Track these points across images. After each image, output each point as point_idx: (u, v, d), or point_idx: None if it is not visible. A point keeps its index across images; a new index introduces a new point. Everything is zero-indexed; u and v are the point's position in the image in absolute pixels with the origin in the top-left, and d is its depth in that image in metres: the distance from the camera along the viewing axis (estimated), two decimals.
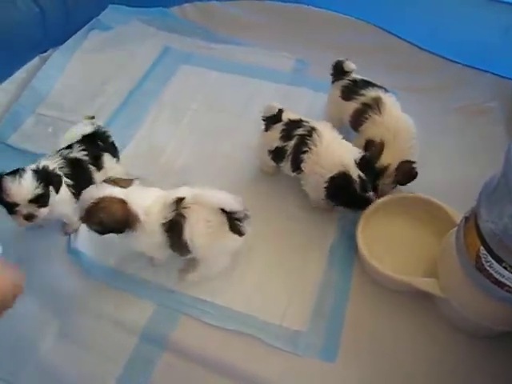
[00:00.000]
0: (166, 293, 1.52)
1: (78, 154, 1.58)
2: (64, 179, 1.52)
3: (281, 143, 1.59)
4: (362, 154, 1.51)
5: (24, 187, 1.39)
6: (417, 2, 2.14)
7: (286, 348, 1.40)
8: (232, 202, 1.35)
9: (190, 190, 1.40)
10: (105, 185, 1.36)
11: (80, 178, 1.56)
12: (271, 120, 1.63)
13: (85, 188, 1.37)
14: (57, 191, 1.47)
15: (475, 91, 2.03)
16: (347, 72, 1.73)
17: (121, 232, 1.36)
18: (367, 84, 1.70)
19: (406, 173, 1.57)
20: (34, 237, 1.67)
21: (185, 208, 1.35)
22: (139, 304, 1.50)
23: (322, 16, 2.35)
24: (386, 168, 1.55)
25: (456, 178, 1.70)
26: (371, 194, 1.48)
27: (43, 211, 1.44)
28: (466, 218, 1.24)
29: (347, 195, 1.48)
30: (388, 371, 1.37)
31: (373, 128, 1.62)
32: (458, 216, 1.41)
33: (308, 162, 1.52)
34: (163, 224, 1.36)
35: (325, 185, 1.49)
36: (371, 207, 1.54)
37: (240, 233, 1.40)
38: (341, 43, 2.19)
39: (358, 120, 1.67)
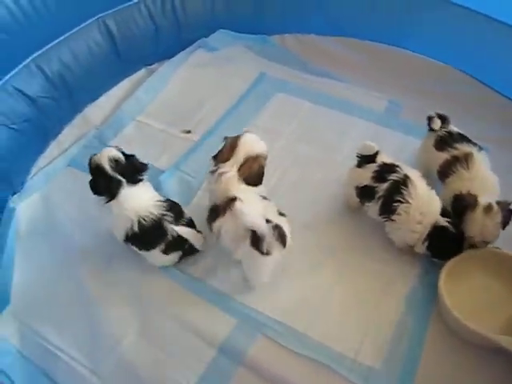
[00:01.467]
0: (247, 310, 1.57)
1: None
2: None
3: (371, 183, 1.62)
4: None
5: None
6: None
7: (358, 382, 1.42)
8: (261, 227, 1.40)
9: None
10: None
11: None
12: (365, 159, 1.67)
13: None
14: None
15: None
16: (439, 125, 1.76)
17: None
18: (462, 138, 1.73)
19: (505, 210, 1.56)
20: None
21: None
22: (221, 317, 1.56)
23: (420, 61, 2.39)
24: (490, 206, 1.54)
25: None
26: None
27: None
28: None
29: (448, 243, 1.54)
30: None
31: (457, 182, 1.64)
32: None
33: (404, 216, 1.56)
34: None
35: (423, 242, 1.55)
36: (456, 258, 1.56)
37: (261, 251, 1.43)
38: (435, 90, 2.22)
39: (445, 171, 1.70)
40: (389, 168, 1.61)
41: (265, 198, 1.58)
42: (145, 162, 1.66)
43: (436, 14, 2.28)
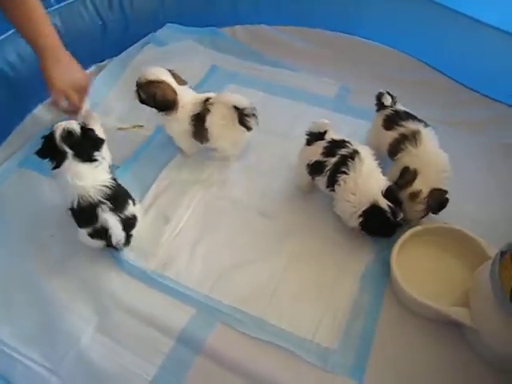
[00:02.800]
0: (203, 299, 1.58)
1: None
2: None
3: (321, 158, 1.66)
4: (389, 184, 1.59)
5: None
6: (464, 40, 2.19)
7: (317, 363, 1.44)
8: (242, 100, 1.80)
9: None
10: (167, 73, 1.84)
11: None
12: (315, 136, 1.71)
13: None
14: None
15: None
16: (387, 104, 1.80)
17: (161, 110, 1.84)
18: (409, 116, 1.77)
19: (437, 199, 1.62)
20: (74, 232, 1.70)
21: (210, 104, 1.82)
22: (178, 308, 1.56)
23: (369, 47, 2.44)
24: (417, 193, 1.61)
25: (494, 215, 1.74)
26: (401, 216, 1.56)
27: None
28: (502, 253, 1.29)
29: (381, 225, 1.58)
30: None
31: (407, 158, 1.69)
32: (492, 249, 1.46)
33: (342, 185, 1.60)
34: (191, 116, 1.84)
35: (358, 217, 1.58)
36: (406, 234, 1.60)
37: (247, 127, 1.84)
38: (386, 75, 2.26)
39: (395, 149, 1.74)
40: (339, 144, 1.65)
41: None
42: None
43: (388, 3, 2.34)
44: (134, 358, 1.47)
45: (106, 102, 2.22)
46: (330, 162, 1.63)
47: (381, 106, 1.82)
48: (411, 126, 1.73)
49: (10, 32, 2.01)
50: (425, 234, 1.63)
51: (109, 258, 1.69)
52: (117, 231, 1.57)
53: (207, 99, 1.85)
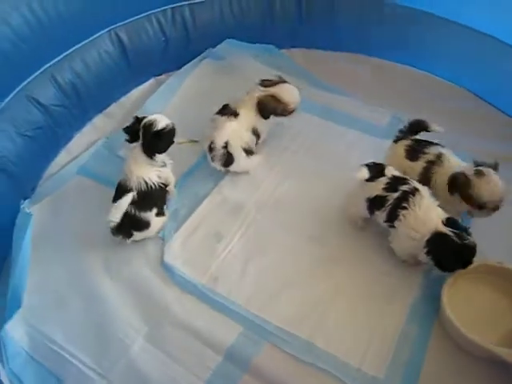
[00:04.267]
0: (253, 317, 1.61)
1: None
2: None
3: (383, 193, 1.67)
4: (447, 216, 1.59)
5: None
6: None
7: None
8: None
9: None
10: None
11: None
12: (376, 173, 1.71)
13: None
14: None
15: None
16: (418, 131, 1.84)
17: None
18: (426, 143, 1.81)
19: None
20: (134, 243, 1.80)
21: None
22: (227, 324, 1.60)
23: (423, 78, 2.45)
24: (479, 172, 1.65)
25: None
26: (471, 239, 1.52)
27: None
28: None
29: (449, 252, 1.54)
30: None
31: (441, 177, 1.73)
32: None
33: (403, 220, 1.61)
34: None
35: (424, 249, 1.57)
36: (459, 271, 1.59)
37: None
38: (437, 106, 2.26)
39: (426, 178, 1.75)
40: (400, 180, 1.66)
41: None
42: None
43: (440, 33, 2.33)
44: (182, 371, 1.52)
45: (164, 115, 2.25)
46: (392, 196, 1.64)
47: (405, 134, 1.84)
48: (433, 151, 1.76)
49: (80, 44, 2.10)
50: (476, 272, 1.62)
51: (162, 269, 1.74)
52: (115, 212, 1.66)
53: None
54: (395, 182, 1.66)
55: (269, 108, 1.94)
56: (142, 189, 1.70)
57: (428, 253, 1.57)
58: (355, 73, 2.47)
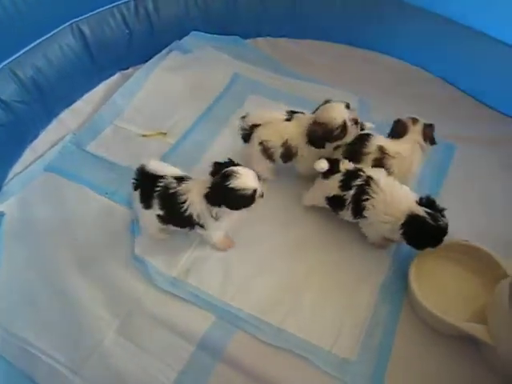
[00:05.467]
0: (224, 306, 1.62)
1: None
2: None
3: (339, 192, 1.66)
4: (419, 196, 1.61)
5: (248, 172, 1.53)
6: (484, 58, 2.21)
7: (335, 373, 1.48)
8: None
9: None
10: None
11: None
12: (330, 171, 1.70)
13: None
14: None
15: None
16: None
17: None
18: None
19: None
20: (102, 239, 1.80)
21: None
22: (199, 314, 1.61)
23: (388, 62, 2.47)
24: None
25: (503, 232, 1.78)
26: (444, 220, 1.54)
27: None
28: None
29: (424, 233, 1.55)
30: None
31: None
32: (510, 267, 1.49)
33: (372, 210, 1.61)
34: None
35: (399, 231, 1.57)
36: (425, 250, 1.62)
37: None
38: (401, 90, 2.29)
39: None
40: (353, 174, 1.65)
41: None
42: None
43: (403, 17, 2.36)
44: (155, 362, 1.52)
45: (131, 109, 2.26)
46: (349, 194, 1.63)
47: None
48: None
49: (41, 39, 2.06)
50: (443, 250, 1.64)
51: (132, 263, 1.73)
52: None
53: None
54: (349, 178, 1.64)
55: (314, 135, 1.72)
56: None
57: (403, 234, 1.58)
58: (321, 59, 2.48)
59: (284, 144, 1.78)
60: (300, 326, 1.58)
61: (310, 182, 1.83)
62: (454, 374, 1.49)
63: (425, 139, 1.74)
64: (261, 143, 1.80)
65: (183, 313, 1.61)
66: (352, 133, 1.70)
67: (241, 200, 1.50)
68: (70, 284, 1.68)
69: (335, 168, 1.68)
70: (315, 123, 1.70)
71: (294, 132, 1.77)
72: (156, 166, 1.62)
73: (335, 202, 1.70)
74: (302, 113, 1.83)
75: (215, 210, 1.54)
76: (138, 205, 1.66)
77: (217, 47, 2.51)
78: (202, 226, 1.61)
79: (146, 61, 2.42)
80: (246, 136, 1.85)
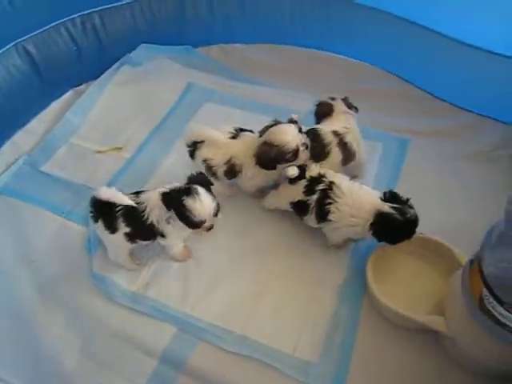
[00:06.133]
0: (184, 317, 1.61)
1: None
2: None
3: (303, 197, 1.67)
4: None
5: (208, 204, 1.51)
6: (429, 51, 2.23)
7: (298, 377, 1.47)
8: None
9: None
10: None
11: None
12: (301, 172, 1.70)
13: None
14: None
15: (485, 139, 2.12)
16: None
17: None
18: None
19: None
20: (60, 258, 1.78)
21: None
22: (160, 327, 1.59)
23: (340, 61, 2.49)
24: None
25: (462, 222, 1.78)
26: (412, 212, 1.54)
27: (219, 218, 1.58)
28: (471, 261, 1.33)
29: (395, 229, 1.55)
30: None
31: None
32: (464, 258, 1.50)
33: (338, 213, 1.60)
34: None
35: (369, 231, 1.58)
36: (380, 246, 1.64)
37: None
38: (355, 87, 2.30)
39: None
40: (317, 180, 1.66)
41: None
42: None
43: (350, 15, 2.39)
44: (118, 380, 1.50)
45: (85, 126, 2.25)
46: (312, 199, 1.64)
47: None
48: None
49: None
50: (400, 245, 1.62)
51: (91, 281, 1.71)
52: None
53: None
54: (312, 184, 1.65)
55: (264, 157, 1.68)
56: None
57: (374, 234, 1.58)
58: (274, 62, 2.50)
59: (227, 162, 1.77)
60: (262, 332, 1.57)
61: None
62: (416, 367, 1.50)
63: (350, 108, 1.83)
64: (204, 161, 1.79)
65: (144, 327, 1.59)
66: (302, 158, 1.68)
67: (188, 221, 1.51)
68: (29, 307, 1.66)
69: (303, 174, 1.68)
70: (266, 144, 1.67)
71: (240, 151, 1.75)
72: (108, 192, 1.60)
73: (300, 207, 1.70)
74: (251, 131, 1.82)
75: (168, 214, 1.55)
76: (103, 234, 1.65)
77: (169, 58, 2.51)
78: (163, 236, 1.61)
79: (98, 76, 2.40)
80: (191, 152, 1.83)
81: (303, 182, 1.67)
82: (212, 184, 1.61)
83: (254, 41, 2.58)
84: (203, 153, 1.79)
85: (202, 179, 1.58)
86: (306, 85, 2.29)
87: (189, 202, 1.49)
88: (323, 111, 1.86)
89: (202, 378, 1.48)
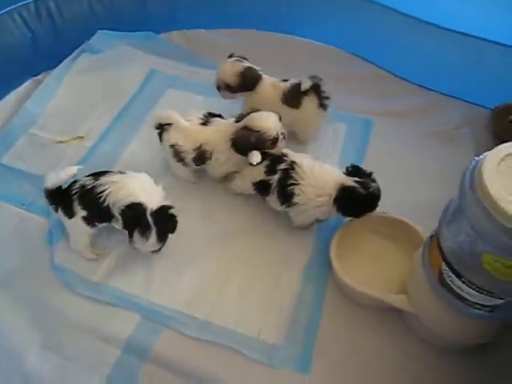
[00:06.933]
0: (148, 305, 1.58)
1: None
2: None
3: (265, 177, 1.66)
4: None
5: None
6: (393, 33, 2.24)
7: (263, 360, 1.46)
8: None
9: None
10: None
11: None
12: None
13: None
14: None
15: (449, 118, 2.15)
16: None
17: None
18: None
19: None
20: (20, 251, 1.74)
21: None
22: (123, 316, 1.56)
23: (304, 45, 2.48)
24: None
25: (424, 199, 1.79)
26: (374, 185, 1.56)
27: None
28: (431, 236, 1.33)
29: (358, 201, 1.56)
30: (358, 382, 1.45)
31: None
32: (427, 235, 1.50)
33: (303, 195, 1.60)
34: None
35: (333, 207, 1.58)
36: (344, 225, 1.64)
37: None
38: (320, 70, 2.25)
39: None
40: (278, 159, 1.65)
41: None
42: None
43: (320, 1, 2.37)
44: (82, 371, 1.47)
45: (46, 115, 2.19)
46: (274, 179, 1.63)
47: None
48: None
49: None
50: (363, 224, 1.65)
51: (52, 273, 1.67)
52: None
53: None
54: (274, 163, 1.65)
55: (243, 142, 1.67)
56: None
57: (338, 208, 1.58)
58: (236, 48, 2.43)
59: (197, 149, 1.75)
60: (227, 316, 1.56)
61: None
62: (382, 345, 1.50)
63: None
64: (172, 146, 1.77)
65: (107, 317, 1.56)
66: (280, 147, 1.68)
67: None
68: None
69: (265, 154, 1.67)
70: (247, 129, 1.66)
71: (212, 137, 1.74)
72: (54, 179, 1.59)
73: (261, 187, 1.69)
74: (220, 115, 1.81)
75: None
76: (65, 221, 1.64)
77: (129, 44, 2.46)
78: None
79: (57, 65, 2.33)
80: (159, 135, 1.82)
81: (264, 162, 1.66)
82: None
83: (216, 26, 2.54)
84: (171, 138, 1.77)
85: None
86: (270, 69, 2.25)
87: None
88: (249, 81, 1.93)
89: (167, 366, 1.46)
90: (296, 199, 1.61)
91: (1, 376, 1.47)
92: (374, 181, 1.57)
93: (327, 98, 1.91)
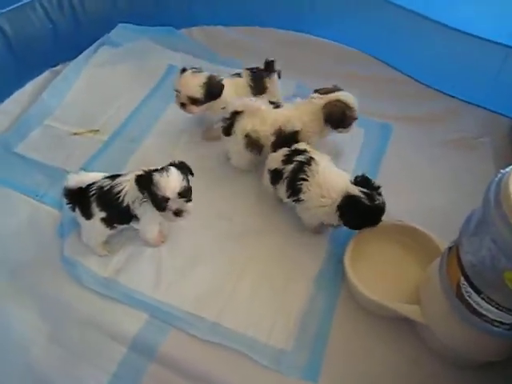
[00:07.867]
0: (157, 304, 1.56)
1: None
2: None
3: (280, 166, 1.66)
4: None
5: (173, 180, 1.47)
6: (415, 37, 2.21)
7: (271, 366, 1.44)
8: None
9: None
10: None
11: None
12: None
13: None
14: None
15: (468, 125, 2.11)
16: None
17: None
18: None
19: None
20: (27, 244, 1.72)
21: None
22: (131, 314, 1.54)
23: (323, 45, 2.46)
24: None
25: (441, 209, 1.76)
26: (380, 199, 1.53)
27: (190, 206, 1.52)
28: (450, 248, 1.30)
29: (361, 212, 1.53)
30: None
31: None
32: (443, 245, 1.47)
33: (309, 193, 1.59)
34: None
35: (336, 213, 1.55)
36: (359, 233, 1.61)
37: None
38: (339, 72, 2.27)
39: None
40: (298, 152, 1.64)
41: None
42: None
43: (343, 3, 2.35)
44: (87, 367, 1.46)
45: (63, 106, 2.18)
46: (288, 169, 1.62)
47: None
48: None
49: None
50: (378, 232, 1.62)
51: (62, 266, 1.66)
52: None
53: None
54: (293, 154, 1.64)
55: (338, 115, 1.74)
56: None
57: (340, 216, 1.56)
58: (256, 45, 2.44)
59: (277, 131, 1.74)
60: (235, 319, 1.53)
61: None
62: (393, 355, 1.47)
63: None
64: (247, 135, 1.75)
65: (115, 314, 1.55)
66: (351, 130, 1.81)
67: (154, 197, 1.48)
68: None
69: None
70: (341, 101, 1.73)
71: (295, 114, 1.76)
72: (77, 179, 1.58)
73: (274, 175, 1.68)
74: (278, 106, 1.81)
75: (141, 196, 1.52)
76: (81, 221, 1.62)
77: (150, 39, 2.45)
78: (137, 218, 1.58)
79: (76, 56, 2.33)
80: (228, 126, 1.78)
81: (285, 151, 1.66)
82: (192, 173, 1.56)
83: (236, 23, 2.52)
84: (247, 124, 1.75)
85: (182, 165, 1.54)
86: (289, 68, 2.23)
87: (156, 176, 1.46)
88: (215, 89, 1.88)
89: (173, 366, 1.44)
90: (302, 196, 1.60)
91: (6, 366, 1.46)
92: (380, 194, 1.54)
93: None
